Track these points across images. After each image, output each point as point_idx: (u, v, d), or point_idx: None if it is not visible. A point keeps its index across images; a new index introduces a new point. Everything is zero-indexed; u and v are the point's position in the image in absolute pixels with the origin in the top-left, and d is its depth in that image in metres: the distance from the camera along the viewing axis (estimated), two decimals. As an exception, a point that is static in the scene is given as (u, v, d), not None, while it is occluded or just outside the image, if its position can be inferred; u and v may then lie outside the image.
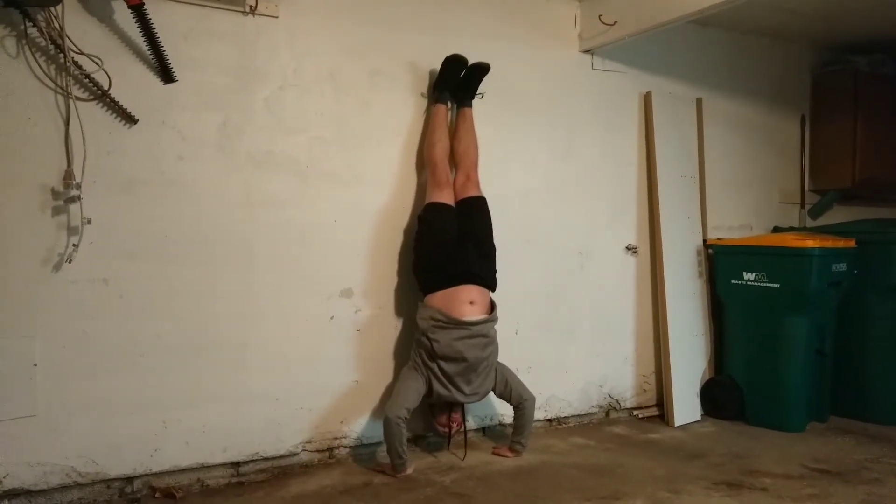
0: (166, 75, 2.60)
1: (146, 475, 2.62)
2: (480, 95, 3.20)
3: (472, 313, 2.86)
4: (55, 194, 2.45)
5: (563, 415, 3.57)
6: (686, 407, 3.68)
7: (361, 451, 3.03)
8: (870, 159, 4.24)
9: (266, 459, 2.83)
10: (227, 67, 2.75)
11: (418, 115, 3.17)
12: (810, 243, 3.43)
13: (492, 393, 3.03)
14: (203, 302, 2.71)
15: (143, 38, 2.52)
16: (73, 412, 2.50)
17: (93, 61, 2.48)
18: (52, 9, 2.37)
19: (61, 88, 2.45)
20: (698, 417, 3.72)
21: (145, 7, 2.44)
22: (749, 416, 3.64)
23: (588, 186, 3.64)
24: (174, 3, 2.63)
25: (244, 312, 2.79)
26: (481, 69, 3.09)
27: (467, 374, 2.84)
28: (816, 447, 3.27)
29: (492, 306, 2.97)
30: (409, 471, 2.80)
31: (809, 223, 4.40)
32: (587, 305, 3.64)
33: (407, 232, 3.11)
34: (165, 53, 2.57)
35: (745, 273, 3.63)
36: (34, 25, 2.37)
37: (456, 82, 3.12)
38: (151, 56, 2.57)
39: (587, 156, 3.63)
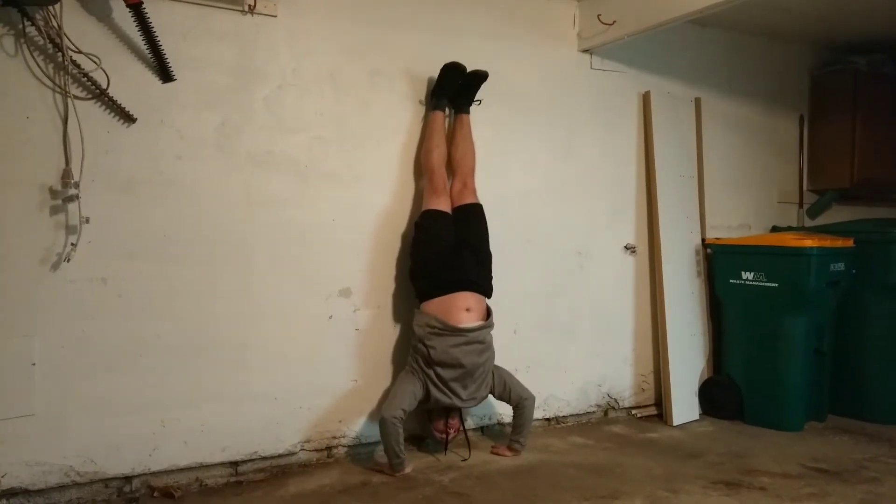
0: (165, 74, 2.60)
1: (145, 474, 2.61)
2: (478, 102, 3.20)
3: (469, 320, 2.87)
4: (53, 193, 2.45)
5: (561, 414, 3.57)
6: (684, 406, 3.68)
7: (360, 451, 3.03)
8: (868, 159, 4.24)
9: (265, 459, 2.83)
10: (226, 67, 2.75)
11: (418, 115, 3.17)
12: (809, 243, 3.44)
13: (491, 395, 3.03)
14: (202, 301, 2.71)
15: (141, 38, 2.52)
16: (71, 412, 2.49)
17: (91, 60, 2.47)
18: (51, 7, 2.37)
19: (59, 87, 2.45)
20: (697, 417, 3.72)
21: (144, 6, 2.43)
22: (747, 415, 3.65)
23: (587, 186, 3.64)
24: (173, 2, 2.63)
25: (243, 312, 2.79)
26: (479, 77, 3.09)
27: (464, 379, 2.85)
28: (815, 446, 3.28)
29: (488, 312, 2.98)
30: (408, 470, 2.80)
31: (808, 223, 4.40)
32: (586, 305, 3.64)
33: (405, 236, 3.10)
34: (164, 52, 2.56)
35: (743, 273, 3.63)
36: (32, 24, 2.37)
37: (454, 89, 3.12)
38: (150, 55, 2.57)
39: (586, 155, 3.63)
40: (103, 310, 2.54)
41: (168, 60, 2.58)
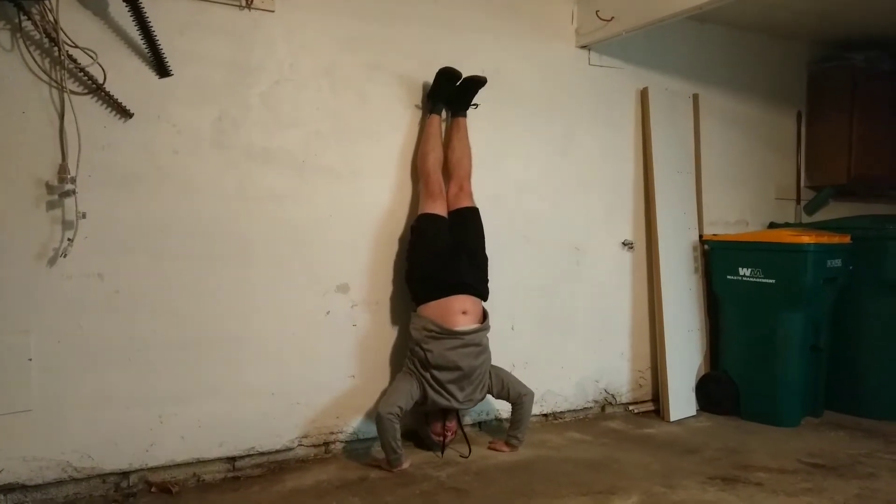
0: (162, 69, 2.59)
1: (142, 470, 2.61)
2: (475, 106, 3.19)
3: (465, 323, 2.88)
4: (50, 188, 2.44)
5: (558, 410, 3.58)
6: (681, 402, 3.69)
7: (357, 447, 3.03)
8: (865, 156, 4.25)
9: (262, 454, 2.83)
10: (223, 61, 2.74)
11: (415, 111, 3.17)
12: (806, 239, 3.44)
13: (490, 395, 3.04)
14: (199, 297, 2.70)
15: (138, 32, 2.51)
16: (68, 407, 2.49)
17: (87, 55, 2.46)
18: (47, 2, 2.36)
19: (56, 82, 2.44)
20: (694, 412, 3.73)
21: (140, 0, 2.42)
22: (744, 411, 3.66)
23: (585, 182, 3.64)
24: (169, -4, 2.62)
25: (240, 307, 2.78)
26: (477, 82, 3.08)
27: (461, 381, 2.86)
28: (811, 442, 3.29)
29: (484, 315, 2.98)
30: (405, 466, 2.80)
31: (805, 219, 4.41)
32: (583, 301, 3.64)
33: (403, 232, 3.10)
34: (161, 47, 2.56)
35: (740, 269, 3.64)
36: (28, 19, 2.36)
37: (449, 94, 3.12)
38: (147, 50, 2.56)
39: (584, 151, 3.63)
40: (100, 305, 2.53)
41: (165, 55, 2.57)
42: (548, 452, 3.08)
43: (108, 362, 2.55)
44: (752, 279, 3.59)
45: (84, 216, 2.46)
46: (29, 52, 2.40)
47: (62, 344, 2.48)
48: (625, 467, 2.88)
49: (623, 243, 3.77)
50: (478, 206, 3.13)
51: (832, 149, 4.32)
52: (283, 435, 2.87)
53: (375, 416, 2.75)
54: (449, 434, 2.99)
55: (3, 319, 2.40)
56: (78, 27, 2.45)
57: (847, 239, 3.63)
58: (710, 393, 3.76)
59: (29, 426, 2.43)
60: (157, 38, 2.53)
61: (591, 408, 3.69)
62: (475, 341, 2.89)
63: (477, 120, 3.20)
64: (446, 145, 3.16)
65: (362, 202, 3.05)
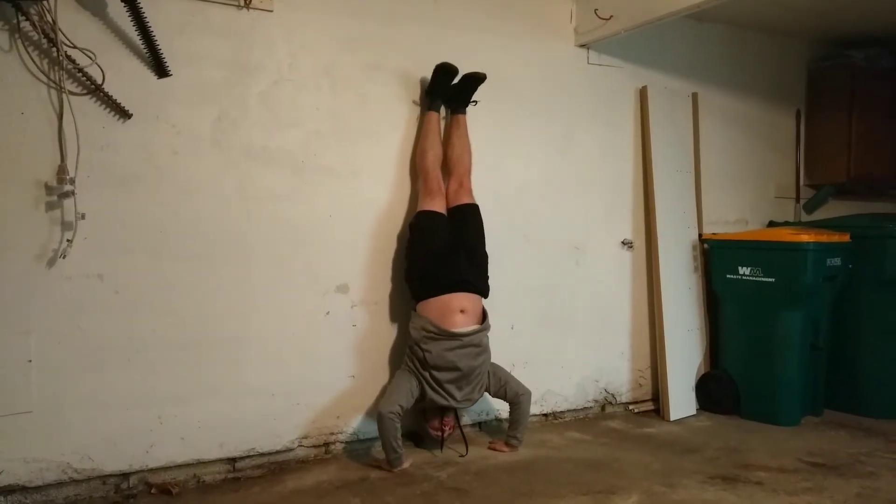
0: (160, 70, 2.59)
1: (142, 471, 2.61)
2: (474, 103, 3.18)
3: (464, 322, 2.87)
4: (49, 189, 2.44)
5: (558, 409, 3.58)
6: (681, 401, 3.69)
7: (358, 447, 3.03)
8: (865, 154, 4.24)
9: (262, 455, 2.83)
10: (222, 62, 2.73)
11: (414, 109, 3.16)
12: (805, 238, 3.44)
13: (487, 394, 3.04)
14: (199, 297, 2.70)
15: (136, 33, 2.50)
16: (68, 408, 2.49)
17: (86, 55, 2.46)
18: (45, 2, 2.35)
19: (54, 83, 2.44)
20: (694, 412, 3.73)
21: (139, 1, 2.42)
22: (744, 410, 3.66)
23: (584, 181, 3.64)
24: (168, -4, 2.62)
25: (240, 308, 2.78)
26: (476, 79, 3.08)
27: (459, 381, 2.86)
28: (811, 441, 3.29)
29: (483, 315, 2.97)
30: (406, 465, 2.80)
31: (805, 218, 4.41)
32: (583, 300, 3.64)
33: (403, 232, 3.09)
34: (159, 48, 2.55)
35: (740, 268, 3.64)
36: (27, 19, 2.35)
37: (447, 90, 3.11)
38: (145, 50, 2.55)
39: (583, 151, 3.63)
40: (100, 306, 2.53)
41: (163, 55, 2.57)
42: (548, 452, 3.08)
43: (107, 363, 2.55)
44: (751, 278, 3.59)
45: (83, 217, 2.46)
46: (27, 52, 2.40)
47: (62, 345, 2.47)
48: (625, 467, 2.88)
49: (623, 242, 3.77)
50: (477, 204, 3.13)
51: (832, 147, 4.32)
52: (283, 435, 2.87)
53: (377, 415, 2.75)
54: (447, 429, 2.99)
55: (3, 321, 2.39)
56: (76, 28, 2.45)
57: (846, 238, 3.63)
58: (710, 392, 3.76)
59: (29, 427, 2.43)
60: (155, 38, 2.53)
61: (591, 407, 3.69)
62: (474, 342, 2.88)
63: (476, 119, 3.20)
64: (446, 142, 3.15)
65: (362, 202, 3.04)
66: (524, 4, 3.44)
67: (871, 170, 4.29)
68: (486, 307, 3.01)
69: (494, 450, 3.06)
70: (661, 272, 3.71)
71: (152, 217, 2.62)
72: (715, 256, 3.81)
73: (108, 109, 2.53)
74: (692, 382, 3.79)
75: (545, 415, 3.54)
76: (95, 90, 2.49)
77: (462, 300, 2.89)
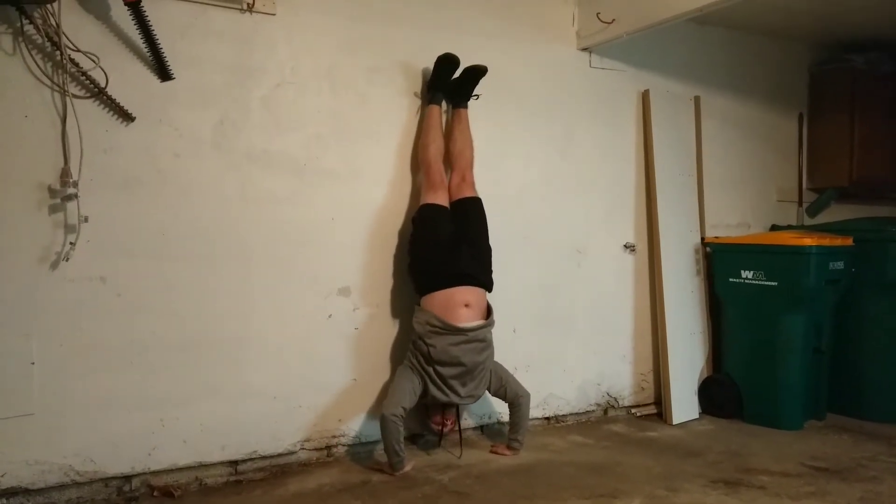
0: (163, 73, 2.60)
1: (144, 474, 2.61)
2: (476, 97, 3.19)
3: (468, 317, 2.87)
4: (52, 192, 2.44)
5: (561, 413, 3.57)
6: (684, 405, 3.68)
7: (360, 450, 3.03)
8: (867, 157, 4.24)
9: (264, 458, 2.83)
10: (225, 65, 2.74)
11: (416, 112, 3.17)
12: (808, 241, 3.44)
13: (487, 392, 3.03)
14: (201, 300, 2.70)
15: (139, 36, 2.51)
16: (70, 411, 2.49)
17: (89, 59, 2.47)
18: (49, 6, 2.36)
19: (58, 86, 2.44)
20: (696, 416, 3.72)
21: (142, 4, 2.43)
22: (747, 414, 3.65)
23: (586, 184, 3.64)
24: (171, 0, 2.62)
25: (242, 310, 2.78)
26: (478, 71, 3.07)
27: (463, 377, 2.85)
28: (814, 445, 3.28)
29: (488, 310, 2.97)
30: (408, 469, 2.80)
31: (807, 221, 4.40)
32: (585, 303, 3.64)
33: (405, 234, 3.09)
34: (162, 51, 2.56)
35: (742, 271, 3.63)
36: (30, 22, 2.36)
37: (449, 82, 3.11)
38: (148, 53, 2.56)
39: (585, 154, 3.63)
40: (102, 308, 2.53)
41: (166, 59, 2.58)
42: (550, 456, 3.07)
43: (109, 365, 2.55)
44: (754, 282, 3.58)
45: (86, 220, 2.46)
46: (31, 55, 2.41)
47: (64, 347, 2.48)
48: (627, 471, 2.88)
49: (625, 246, 3.77)
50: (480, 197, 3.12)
51: (834, 151, 4.32)
52: (285, 438, 2.87)
53: (379, 417, 2.74)
54: (448, 424, 2.99)
55: (6, 323, 2.40)
56: (80, 31, 2.46)
57: (849, 241, 3.62)
58: (712, 396, 3.75)
59: (31, 430, 2.43)
60: (158, 41, 2.54)
61: (593, 411, 3.69)
62: (479, 337, 2.87)
63: (477, 121, 3.20)
64: (448, 136, 3.15)
65: (363, 204, 3.05)
66: (526, 7, 3.45)
67: (874, 173, 4.29)
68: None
69: (496, 453, 3.05)
70: (664, 275, 3.70)
71: (154, 220, 2.62)
72: (717, 260, 3.80)
73: (111, 112, 2.54)
74: (694, 386, 3.78)
75: (547, 418, 3.54)
76: (98, 93, 2.50)
77: (466, 294, 2.88)
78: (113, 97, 2.52)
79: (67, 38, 2.41)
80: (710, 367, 3.88)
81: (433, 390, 2.82)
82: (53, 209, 2.45)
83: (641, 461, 3.00)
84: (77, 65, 2.45)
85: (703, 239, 3.91)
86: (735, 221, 4.15)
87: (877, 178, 4.33)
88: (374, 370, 3.07)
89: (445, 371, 2.81)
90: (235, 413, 2.77)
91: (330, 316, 2.96)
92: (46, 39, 2.40)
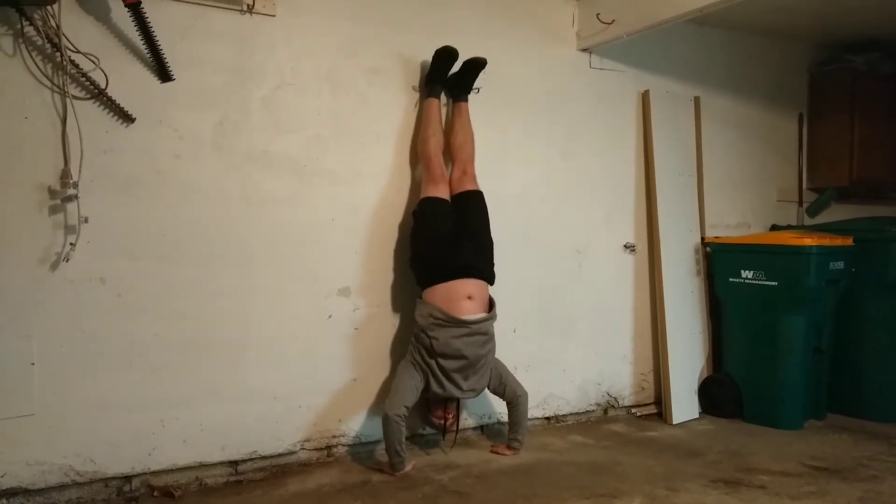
0: (163, 74, 2.60)
1: (144, 474, 2.61)
2: (476, 90, 3.19)
3: (471, 309, 2.86)
4: (52, 193, 2.45)
5: (561, 413, 3.57)
6: (684, 405, 3.69)
7: (360, 450, 3.03)
8: (867, 158, 4.25)
9: (264, 458, 2.83)
10: (225, 66, 2.75)
11: (416, 110, 3.17)
12: (808, 241, 3.44)
13: (487, 389, 3.03)
14: (201, 301, 2.71)
15: (140, 37, 2.52)
16: (70, 411, 2.49)
17: (89, 60, 2.47)
18: (49, 7, 2.37)
19: (58, 87, 2.45)
20: (696, 415, 3.72)
21: (142, 5, 2.43)
22: (747, 413, 3.65)
23: (586, 185, 3.64)
24: (171, 1, 2.63)
25: (242, 311, 2.79)
26: (477, 64, 3.07)
27: (465, 371, 2.85)
28: (814, 445, 3.28)
29: (491, 303, 2.97)
30: (408, 469, 2.80)
31: (807, 221, 4.40)
32: (585, 303, 3.64)
33: (405, 235, 3.08)
34: (162, 52, 2.56)
35: (743, 271, 3.63)
36: (31, 24, 2.37)
37: (448, 75, 3.11)
38: (148, 55, 2.57)
39: (585, 154, 3.63)
40: (102, 309, 2.54)
41: (166, 60, 2.58)
42: (550, 456, 3.07)
43: (110, 366, 2.55)
44: (754, 282, 3.58)
45: (86, 220, 2.47)
46: (31, 57, 2.41)
47: (64, 348, 2.48)
48: (627, 470, 2.88)
49: (625, 246, 3.77)
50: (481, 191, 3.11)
51: (834, 151, 4.32)
52: (285, 438, 2.87)
53: (382, 417, 2.74)
54: (450, 418, 2.99)
55: (6, 324, 2.40)
56: (80, 32, 2.46)
57: (849, 241, 3.62)
58: (712, 396, 3.75)
59: (31, 430, 2.43)
60: (158, 42, 2.54)
61: (593, 411, 3.69)
62: (481, 330, 2.87)
63: (478, 121, 3.20)
64: (448, 130, 3.15)
65: (364, 205, 3.05)
66: (526, 8, 3.45)
67: (874, 173, 4.29)
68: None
69: (497, 453, 3.05)
70: (664, 275, 3.70)
71: (154, 220, 2.63)
72: (717, 260, 3.80)
73: (111, 114, 2.55)
74: (695, 386, 3.78)
75: (547, 418, 3.54)
76: (99, 94, 2.50)
77: (468, 286, 2.88)
78: (113, 98, 2.52)
79: (67, 40, 2.42)
80: (710, 367, 3.88)
81: (434, 385, 2.81)
82: (53, 210, 2.46)
83: (641, 461, 3.00)
84: (77, 66, 2.46)
85: (703, 239, 3.91)
86: (735, 221, 4.15)
87: (877, 178, 4.33)
88: (374, 370, 3.07)
89: (448, 364, 2.81)
90: (235, 413, 2.77)
91: (330, 316, 2.97)
92: (46, 41, 2.40)
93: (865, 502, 2.57)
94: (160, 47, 2.55)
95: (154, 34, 2.52)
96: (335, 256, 2.98)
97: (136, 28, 2.49)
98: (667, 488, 2.67)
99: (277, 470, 2.82)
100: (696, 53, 3.99)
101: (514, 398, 3.01)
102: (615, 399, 3.75)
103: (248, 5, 2.76)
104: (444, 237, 2.92)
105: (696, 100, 3.98)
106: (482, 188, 3.15)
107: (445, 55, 3.02)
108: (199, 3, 2.68)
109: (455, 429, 3.06)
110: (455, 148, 3.11)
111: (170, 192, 2.65)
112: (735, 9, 3.15)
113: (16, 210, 2.41)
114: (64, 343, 2.48)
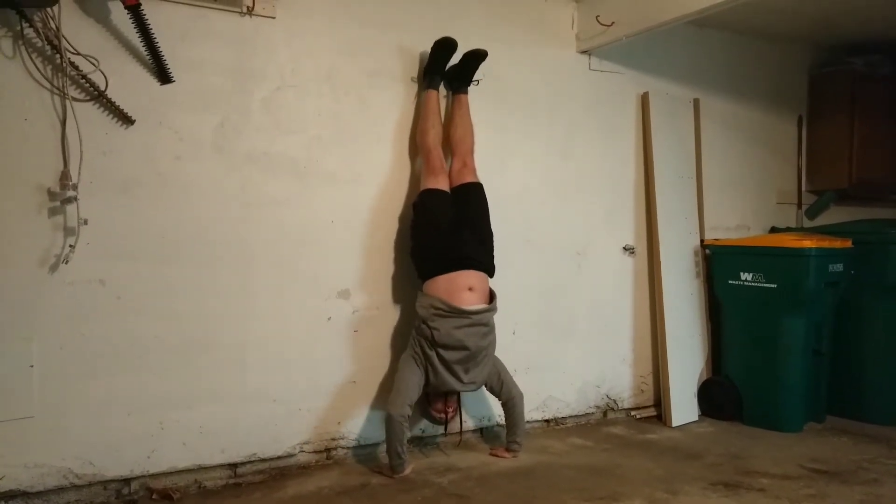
0: (163, 76, 2.60)
1: (143, 476, 2.61)
2: (476, 82, 3.18)
3: (472, 300, 2.85)
4: (52, 195, 2.44)
5: (560, 415, 3.57)
6: (683, 407, 3.68)
7: (359, 452, 3.02)
8: (866, 160, 4.25)
9: (263, 460, 2.83)
10: (225, 68, 2.74)
11: (414, 101, 3.16)
12: (807, 243, 3.44)
13: (484, 387, 3.03)
14: (201, 303, 2.70)
15: (139, 39, 2.51)
16: (70, 413, 2.49)
17: (89, 62, 2.47)
18: (49, 9, 2.37)
19: (58, 89, 2.45)
20: (696, 418, 3.72)
21: (142, 7, 2.43)
22: (746, 416, 3.65)
23: (586, 187, 3.64)
24: (171, 3, 2.63)
25: (242, 313, 2.78)
26: (477, 55, 3.06)
27: (466, 362, 2.84)
28: (814, 447, 3.28)
29: (491, 295, 2.96)
30: (407, 471, 2.80)
31: (806, 223, 4.41)
32: (585, 306, 3.64)
33: (405, 237, 3.08)
34: (162, 54, 2.56)
35: (742, 273, 3.63)
36: (30, 26, 2.36)
37: (447, 67, 3.10)
38: (148, 56, 2.56)
39: (585, 156, 3.64)
40: (102, 311, 2.53)
41: (166, 62, 2.58)
42: (549, 458, 3.07)
43: (109, 368, 2.55)
44: (753, 284, 3.58)
45: (86, 222, 2.46)
46: (31, 59, 2.41)
47: (64, 350, 2.48)
48: (627, 473, 2.87)
49: (624, 248, 3.77)
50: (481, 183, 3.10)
51: (833, 153, 4.32)
52: (284, 441, 2.87)
53: (386, 416, 2.74)
54: (450, 412, 2.99)
55: (6, 326, 2.40)
56: (80, 34, 2.46)
57: (848, 243, 3.63)
58: (712, 398, 3.75)
59: (30, 432, 2.43)
60: (158, 44, 2.54)
61: (592, 413, 3.69)
62: (483, 321, 2.86)
63: (478, 123, 3.19)
64: (448, 122, 3.15)
65: (364, 207, 3.05)
66: (526, 11, 3.45)
67: (873, 175, 4.30)
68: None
69: (496, 456, 3.04)
70: (663, 278, 3.70)
71: (154, 222, 2.62)
72: (717, 262, 3.80)
73: (110, 115, 2.54)
74: (694, 388, 3.78)
75: (547, 421, 3.54)
76: (98, 96, 2.50)
77: (469, 277, 2.87)
78: (113, 100, 2.52)
79: (67, 42, 2.42)
80: (710, 370, 3.88)
81: (434, 378, 2.80)
82: (53, 212, 2.45)
83: (641, 463, 3.00)
84: (77, 68, 2.45)
85: (702, 241, 3.91)
86: (734, 223, 4.15)
87: (876, 180, 4.33)
88: (373, 373, 3.07)
89: (449, 355, 2.80)
90: (235, 415, 2.77)
91: (329, 318, 2.96)
92: (46, 43, 2.40)
93: (865, 505, 2.58)
94: (160, 49, 2.55)
95: (154, 36, 2.52)
96: (335, 258, 2.97)
97: (135, 30, 2.48)
98: (666, 491, 2.67)
99: (276, 472, 2.82)
100: (696, 55, 4.00)
101: (510, 399, 3.00)
102: (615, 401, 3.74)
103: (247, 7, 2.76)
104: (445, 229, 2.92)
105: (696, 102, 3.98)
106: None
107: (444, 46, 3.02)
108: (198, 5, 2.67)
109: (459, 427, 3.03)
110: (455, 140, 3.10)
111: (170, 193, 2.65)
112: (735, 11, 3.16)
113: (15, 212, 2.41)
114: (63, 345, 2.48)
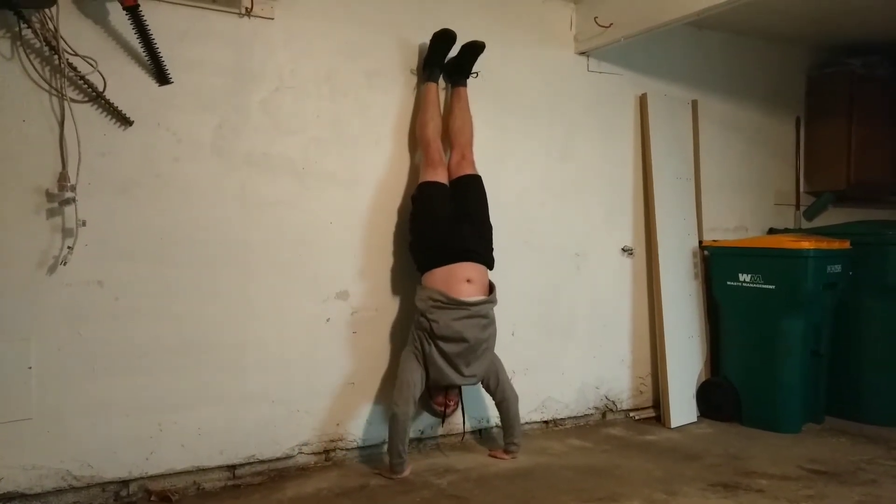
0: (161, 77, 2.60)
1: (142, 478, 2.60)
2: (475, 75, 3.18)
3: (471, 292, 2.85)
4: (50, 196, 2.44)
5: (559, 416, 3.57)
6: (682, 408, 3.68)
7: (358, 454, 3.02)
8: (864, 161, 4.26)
9: (262, 462, 2.82)
10: (223, 69, 2.74)
11: (414, 96, 3.16)
12: (805, 245, 3.44)
13: (486, 392, 3.03)
14: (199, 304, 2.70)
15: (138, 40, 2.51)
16: (68, 415, 2.48)
17: (87, 63, 2.47)
18: (47, 10, 2.36)
19: (56, 90, 2.44)
20: (694, 419, 3.72)
21: (140, 8, 2.43)
22: (745, 417, 3.65)
23: (584, 188, 3.64)
24: (169, 4, 2.62)
25: (240, 314, 2.78)
26: (476, 47, 3.06)
27: (467, 355, 2.83)
28: (812, 448, 3.28)
29: (491, 287, 2.96)
30: (406, 473, 2.79)
31: (805, 225, 4.41)
32: (584, 307, 3.64)
33: (403, 238, 3.08)
34: (161, 55, 2.56)
35: (740, 274, 3.64)
36: (28, 27, 2.36)
37: (446, 59, 3.10)
38: (146, 58, 2.56)
39: (583, 158, 3.64)
40: (100, 312, 2.53)
41: (165, 63, 2.58)
42: (548, 459, 3.07)
43: (107, 370, 2.54)
44: (752, 285, 3.59)
45: (84, 224, 2.46)
46: (29, 60, 2.41)
47: (62, 352, 2.47)
48: (626, 474, 2.87)
49: (623, 249, 3.77)
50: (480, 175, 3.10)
51: (831, 154, 4.33)
52: (283, 442, 2.87)
53: (390, 415, 2.74)
54: (451, 405, 2.98)
55: (4, 327, 2.39)
56: (78, 35, 2.46)
57: (847, 244, 3.63)
58: (710, 399, 3.76)
59: (29, 434, 2.42)
60: (157, 45, 2.54)
61: (591, 414, 3.68)
62: (482, 313, 2.86)
63: (477, 123, 3.18)
64: (447, 115, 3.14)
65: (362, 208, 3.04)
66: (524, 12, 3.45)
67: (871, 176, 4.30)
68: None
69: (495, 457, 3.04)
70: (662, 279, 3.71)
71: (153, 224, 2.62)
72: (715, 263, 3.81)
73: (109, 116, 2.54)
74: (693, 389, 3.78)
75: (546, 422, 3.53)
76: (97, 97, 2.50)
77: (468, 270, 2.86)
78: (111, 101, 2.52)
79: (66, 43, 2.41)
80: (709, 371, 3.88)
81: (434, 372, 2.79)
82: (51, 213, 2.45)
83: (640, 465, 3.00)
84: (75, 69, 2.45)
85: (700, 242, 3.91)
86: (733, 225, 4.15)
87: (874, 181, 4.34)
88: (372, 374, 3.07)
89: (448, 348, 2.79)
90: (234, 417, 2.76)
91: (328, 320, 2.96)
92: (44, 44, 2.40)
93: (864, 506, 2.58)
94: (158, 50, 2.55)
95: (152, 37, 2.51)
96: (334, 259, 2.97)
97: (134, 31, 2.48)
98: (665, 492, 2.67)
99: (275, 474, 2.81)
100: (694, 57, 4.00)
101: (504, 399, 2.99)
102: (613, 402, 3.75)
103: (246, 8, 2.76)
104: (443, 221, 2.91)
105: (694, 103, 3.98)
106: (481, 189, 3.16)
107: (443, 38, 3.01)
108: (197, 7, 2.67)
109: (462, 427, 3.02)
110: (454, 132, 3.10)
111: (168, 194, 2.65)
112: (733, 12, 3.16)
113: (13, 213, 2.40)
114: (61, 346, 2.47)
